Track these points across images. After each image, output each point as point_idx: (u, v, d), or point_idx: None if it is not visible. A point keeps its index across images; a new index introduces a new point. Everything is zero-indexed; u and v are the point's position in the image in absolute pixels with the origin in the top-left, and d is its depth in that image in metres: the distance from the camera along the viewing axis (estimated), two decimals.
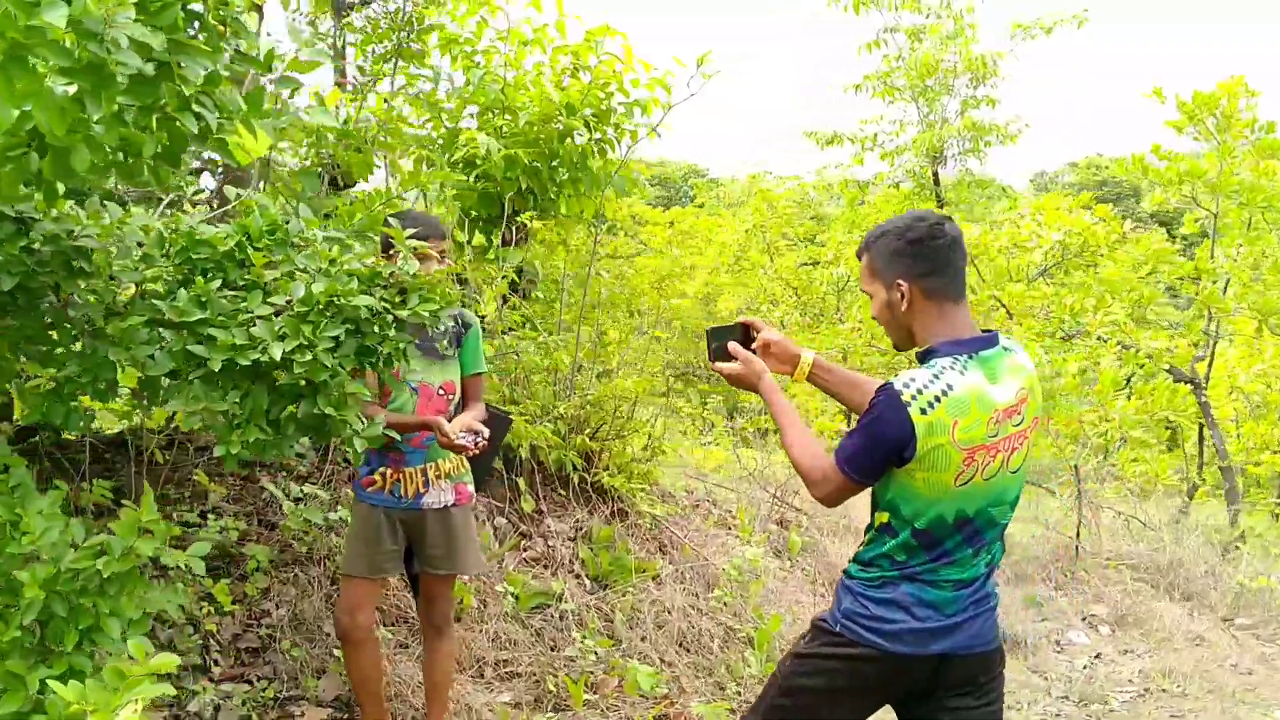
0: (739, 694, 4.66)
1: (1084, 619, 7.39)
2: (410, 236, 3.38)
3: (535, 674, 4.45)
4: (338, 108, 6.03)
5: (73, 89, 2.11)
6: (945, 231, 2.56)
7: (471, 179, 7.46)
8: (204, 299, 3.06)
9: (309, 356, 3.00)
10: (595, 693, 4.45)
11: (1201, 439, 11.86)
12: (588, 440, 5.30)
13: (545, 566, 5.05)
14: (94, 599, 2.87)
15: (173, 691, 2.80)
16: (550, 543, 5.14)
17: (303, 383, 3.05)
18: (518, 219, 6.49)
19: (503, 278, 5.54)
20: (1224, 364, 12.88)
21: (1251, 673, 6.27)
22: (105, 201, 3.18)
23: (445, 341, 3.83)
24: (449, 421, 3.66)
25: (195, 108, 2.45)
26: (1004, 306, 11.51)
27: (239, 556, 4.53)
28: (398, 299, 3.21)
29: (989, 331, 2.57)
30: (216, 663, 4.20)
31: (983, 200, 20.69)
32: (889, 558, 2.56)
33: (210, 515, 4.63)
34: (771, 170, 20.28)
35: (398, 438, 3.42)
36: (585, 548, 5.15)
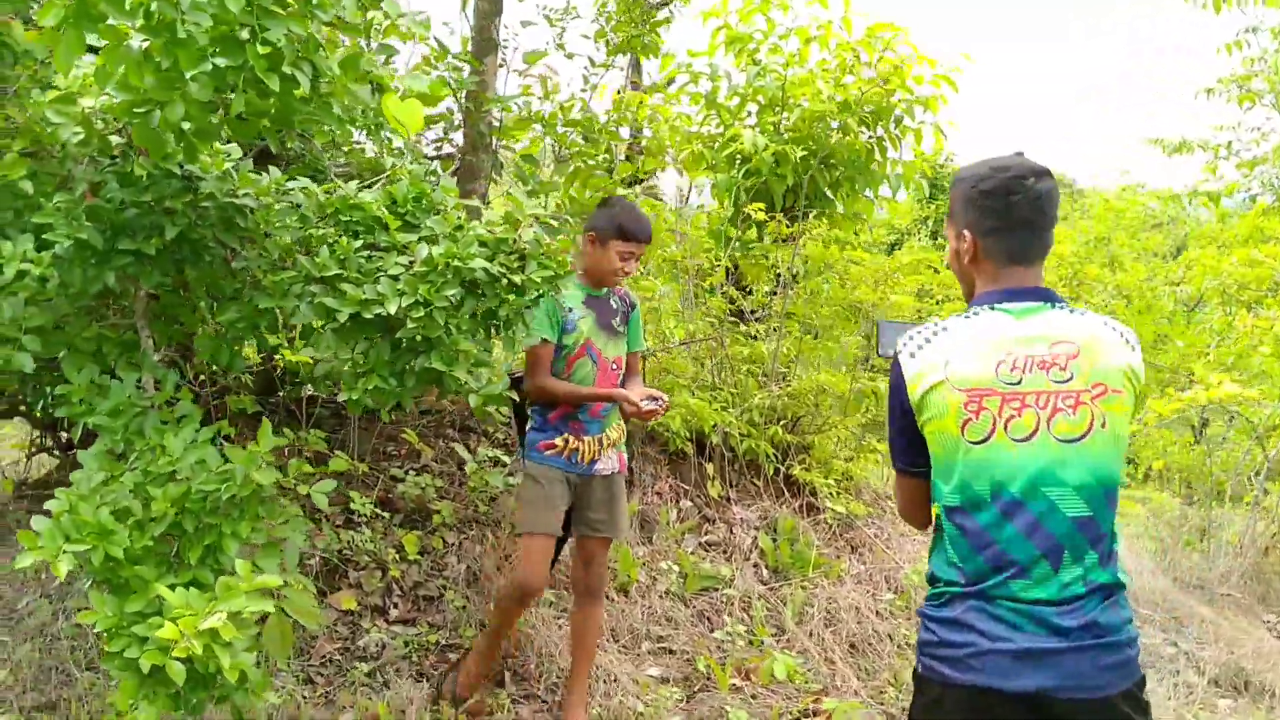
0: (898, 699, 4.50)
1: None
2: (620, 228, 3.87)
3: (688, 653, 4.49)
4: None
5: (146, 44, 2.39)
6: (1024, 187, 2.20)
7: (741, 174, 7.59)
8: (343, 257, 3.35)
9: (422, 313, 3.21)
10: (746, 679, 4.43)
11: None
12: (782, 432, 5.27)
13: (724, 552, 5.07)
14: (220, 520, 3.18)
15: (270, 608, 3.10)
16: (733, 529, 5.16)
17: (419, 338, 3.27)
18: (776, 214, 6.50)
19: (720, 266, 5.61)
20: None
21: None
22: (270, 166, 3.54)
23: (619, 320, 4.06)
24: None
25: (288, 69, 2.68)
26: None
27: (434, 511, 4.84)
28: (516, 264, 3.37)
29: (1044, 288, 2.22)
30: (395, 606, 4.52)
31: None
32: (949, 562, 2.15)
33: (412, 472, 4.98)
34: (1145, 182, 19.04)
35: (516, 398, 3.63)
36: (767, 538, 5.13)
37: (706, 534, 5.14)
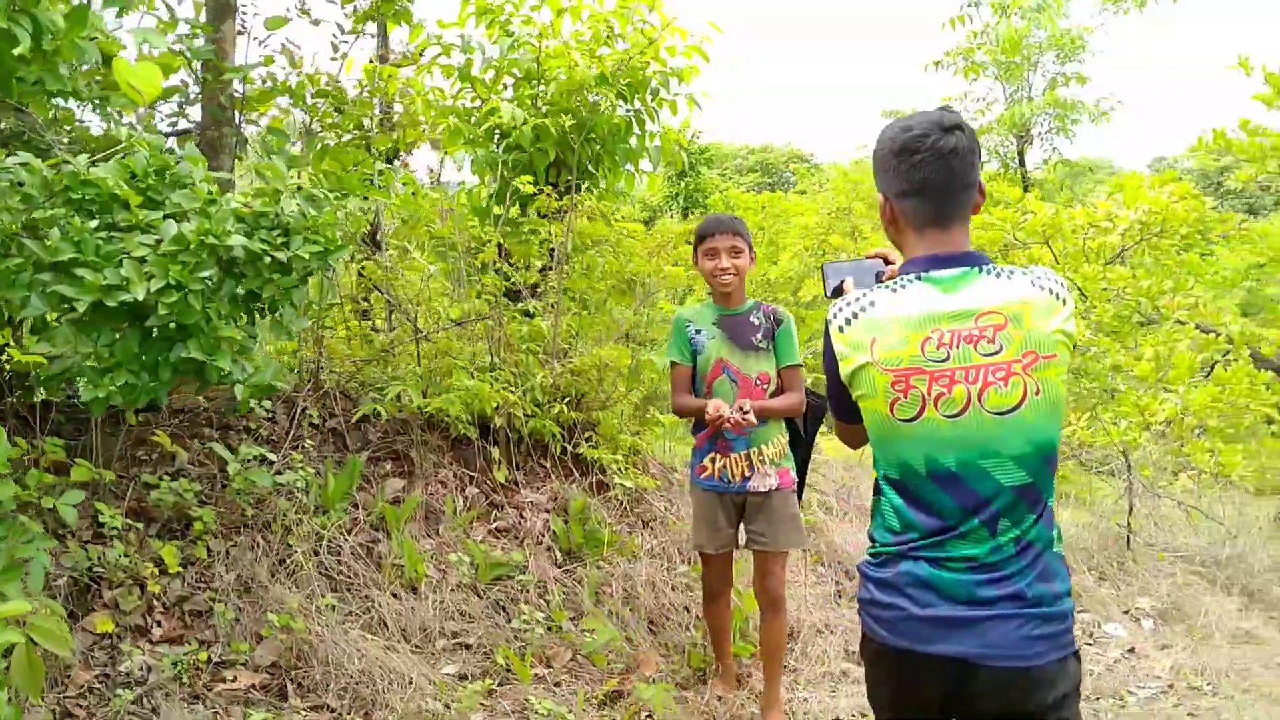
0: (703, 669, 4.45)
1: (1126, 612, 6.96)
2: (697, 235, 4.15)
3: (486, 647, 4.28)
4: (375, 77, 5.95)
5: None
6: (926, 144, 2.11)
7: (502, 149, 7.35)
8: (78, 239, 2.96)
9: (175, 297, 2.87)
10: (549, 667, 4.26)
11: None
12: (567, 410, 5.10)
13: (515, 538, 4.87)
14: None
15: (18, 638, 2.71)
16: (523, 514, 4.97)
17: (173, 326, 2.93)
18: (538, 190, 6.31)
19: (489, 243, 5.39)
20: None
21: None
22: None
23: (760, 335, 4.13)
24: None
25: (3, 23, 2.31)
26: (1079, 289, 11.04)
27: (194, 519, 4.44)
28: (279, 240, 3.07)
29: (971, 252, 2.14)
30: (159, 624, 4.12)
31: (1088, 183, 19.95)
32: (887, 528, 2.16)
33: (168, 477, 4.55)
34: None
35: (283, 387, 3.31)
36: (559, 520, 4.96)
37: (496, 521, 4.92)
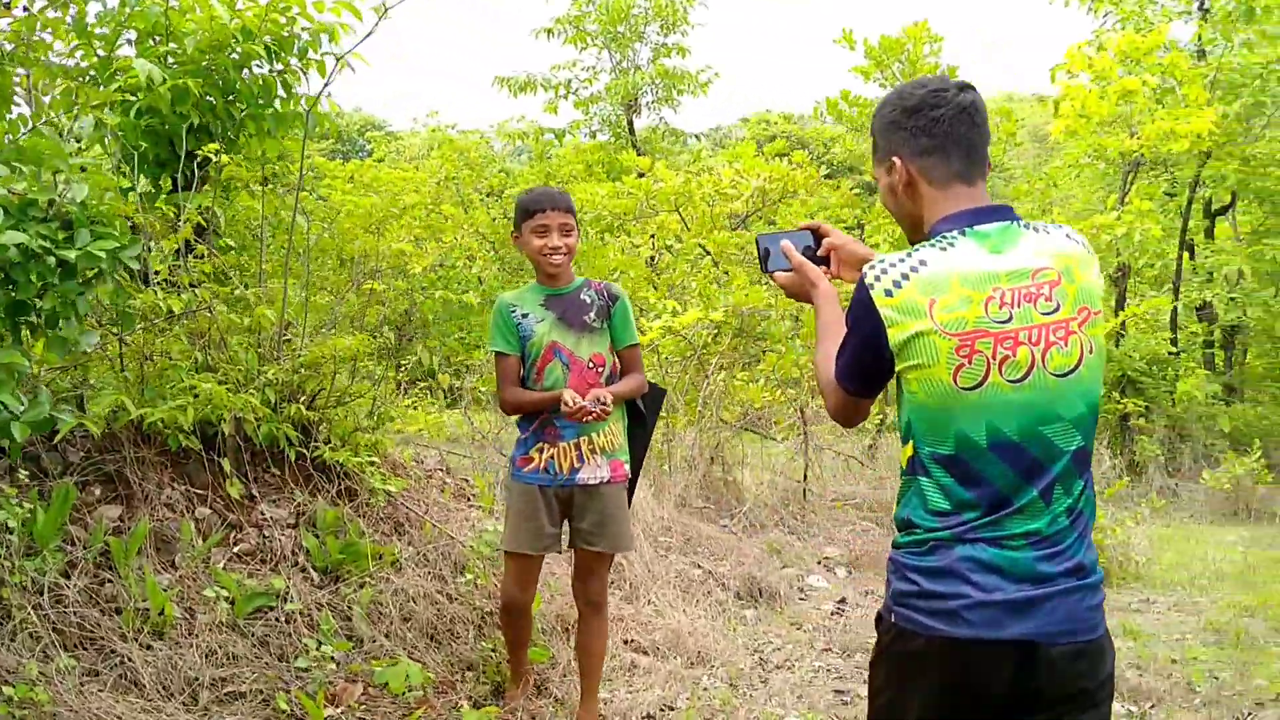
0: (499, 682, 4.13)
1: (820, 562, 7.29)
2: (522, 209, 3.81)
3: (262, 692, 3.71)
4: None
5: None
6: (946, 99, 2.06)
7: (133, 114, 6.49)
8: None
9: None
10: (336, 705, 3.78)
11: None
12: (304, 410, 4.54)
13: (263, 561, 4.27)
14: None
15: None
16: (266, 532, 4.36)
17: None
18: (198, 158, 5.56)
19: (185, 222, 4.68)
20: None
21: None
22: None
23: (593, 314, 3.87)
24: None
25: None
26: (709, 254, 11.47)
27: None
28: (62, 236, 2.43)
29: (1003, 206, 2.08)
30: None
31: (670, 151, 20.72)
32: (932, 511, 1.99)
33: None
34: (455, 123, 19.49)
35: (73, 421, 2.67)
36: (309, 535, 4.41)
37: (237, 543, 4.29)
